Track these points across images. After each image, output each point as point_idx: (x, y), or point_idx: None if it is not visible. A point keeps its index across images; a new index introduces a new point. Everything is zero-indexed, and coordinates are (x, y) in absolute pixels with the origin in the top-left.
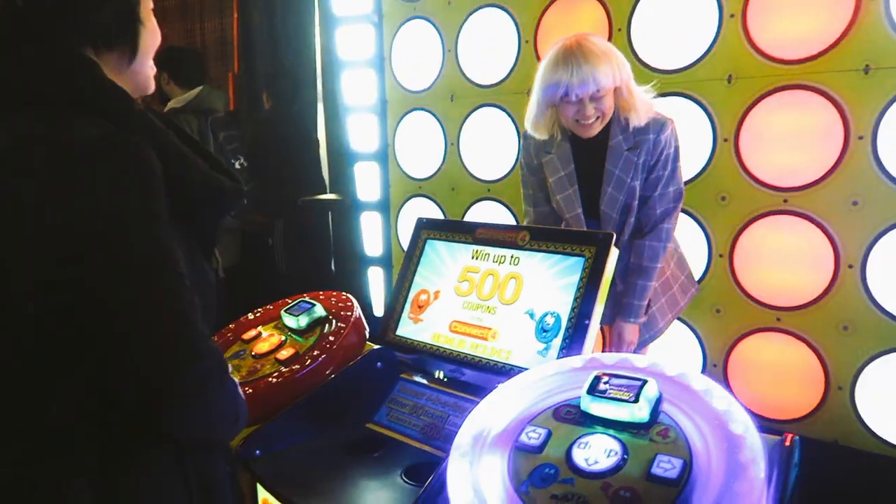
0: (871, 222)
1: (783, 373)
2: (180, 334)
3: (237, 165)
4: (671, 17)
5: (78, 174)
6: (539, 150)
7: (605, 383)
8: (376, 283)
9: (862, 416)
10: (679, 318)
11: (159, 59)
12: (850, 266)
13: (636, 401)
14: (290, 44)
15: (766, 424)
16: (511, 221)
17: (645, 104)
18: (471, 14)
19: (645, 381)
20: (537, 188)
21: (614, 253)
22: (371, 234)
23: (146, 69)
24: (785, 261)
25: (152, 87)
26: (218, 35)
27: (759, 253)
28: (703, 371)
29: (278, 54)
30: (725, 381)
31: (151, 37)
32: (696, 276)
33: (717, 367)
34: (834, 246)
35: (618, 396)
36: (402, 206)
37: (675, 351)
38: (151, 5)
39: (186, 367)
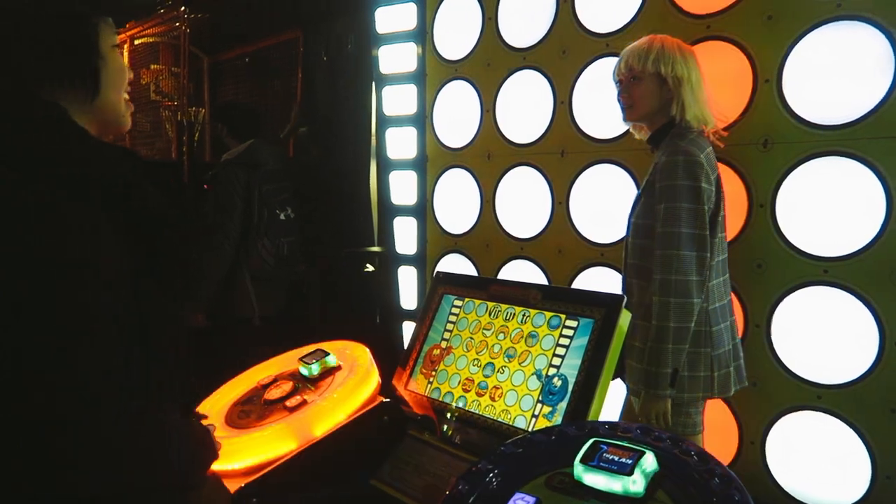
0: None
1: (826, 455)
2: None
3: (282, 217)
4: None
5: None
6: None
7: (601, 452)
8: (410, 336)
9: None
10: None
11: (218, 113)
12: None
13: (630, 473)
14: (347, 102)
15: None
16: (543, 281)
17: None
18: (509, 75)
19: (643, 453)
20: None
21: (626, 316)
22: (407, 288)
23: (116, 105)
24: (826, 334)
25: (126, 125)
26: (285, 93)
27: (798, 325)
28: (740, 449)
29: (334, 111)
30: (763, 460)
31: (117, 72)
32: None
33: (755, 444)
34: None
35: (612, 467)
36: (438, 260)
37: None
38: (115, 41)
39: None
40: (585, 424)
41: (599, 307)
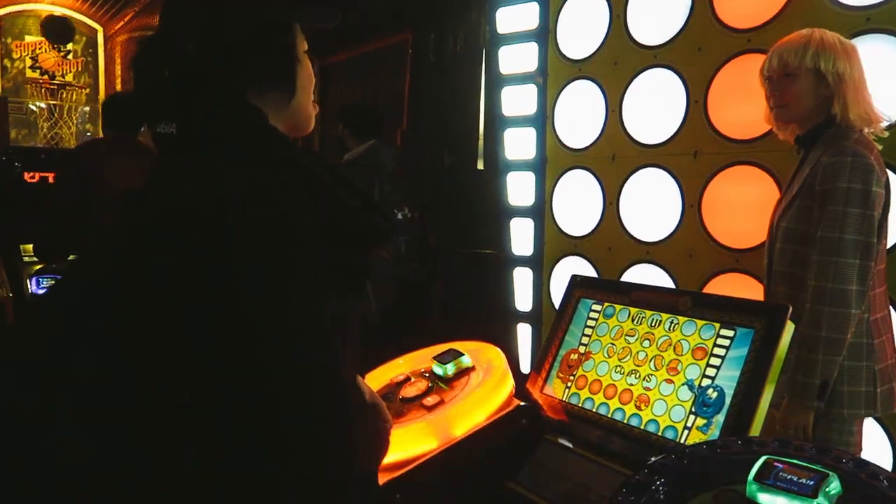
0: None
1: None
2: (324, 390)
3: (400, 216)
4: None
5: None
6: None
7: (777, 471)
8: (524, 339)
9: None
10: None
11: (340, 114)
12: None
13: (814, 496)
14: (457, 103)
15: None
16: (670, 285)
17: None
18: (637, 74)
19: (826, 475)
20: None
21: (790, 328)
22: (522, 290)
23: (307, 107)
24: None
25: (312, 125)
26: (390, 93)
27: None
28: None
29: (445, 113)
30: None
31: (308, 75)
32: None
33: None
34: None
35: (791, 488)
36: (556, 262)
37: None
38: (306, 46)
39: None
40: (753, 440)
41: (759, 317)
